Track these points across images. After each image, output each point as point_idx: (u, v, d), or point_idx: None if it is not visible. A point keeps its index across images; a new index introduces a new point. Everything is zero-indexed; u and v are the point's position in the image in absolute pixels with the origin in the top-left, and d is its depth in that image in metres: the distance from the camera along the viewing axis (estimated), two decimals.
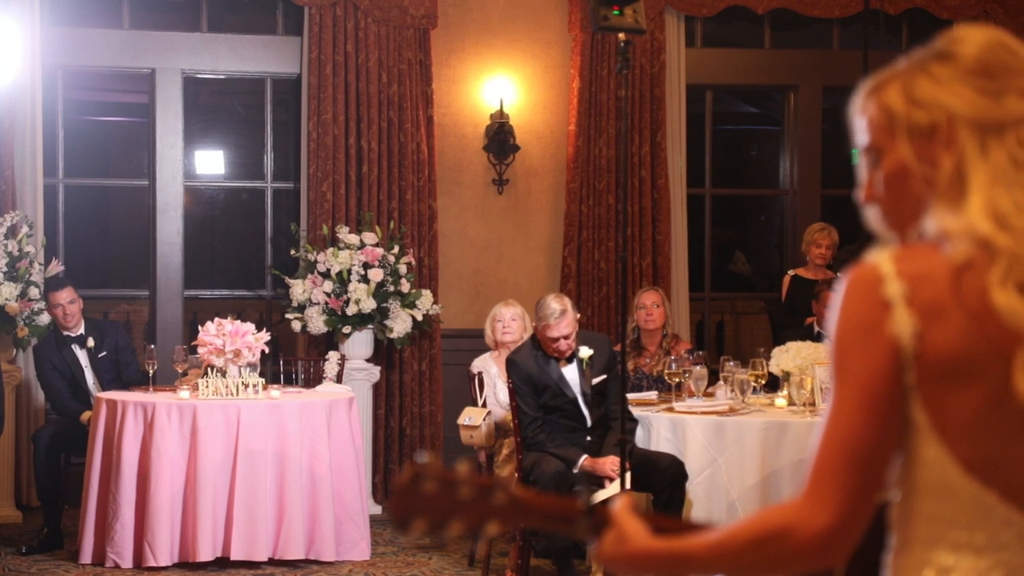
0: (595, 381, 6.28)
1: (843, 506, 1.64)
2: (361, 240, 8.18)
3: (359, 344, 8.25)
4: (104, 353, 7.51)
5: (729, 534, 1.71)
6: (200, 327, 6.92)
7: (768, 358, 6.46)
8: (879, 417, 1.65)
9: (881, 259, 1.67)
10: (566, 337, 6.20)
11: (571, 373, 6.28)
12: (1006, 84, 1.67)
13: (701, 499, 6.06)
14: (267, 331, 6.98)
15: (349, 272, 8.09)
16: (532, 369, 6.24)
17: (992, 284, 1.60)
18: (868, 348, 1.65)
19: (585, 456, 6.12)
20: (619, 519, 1.78)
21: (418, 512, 1.72)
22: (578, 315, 6.38)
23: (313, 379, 7.94)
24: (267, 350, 6.97)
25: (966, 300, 1.61)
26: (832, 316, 1.70)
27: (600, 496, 6.05)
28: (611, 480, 5.99)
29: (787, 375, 6.36)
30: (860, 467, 1.64)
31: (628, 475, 5.29)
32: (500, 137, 8.93)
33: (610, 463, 6.01)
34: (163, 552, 6.41)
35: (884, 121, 1.72)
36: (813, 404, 6.13)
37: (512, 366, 6.28)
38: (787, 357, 6.34)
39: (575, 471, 6.08)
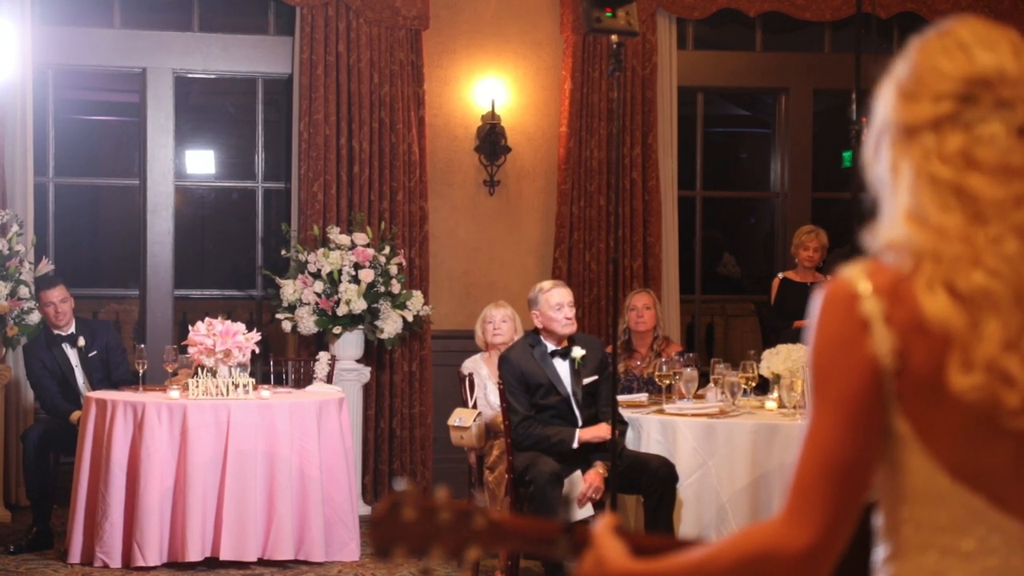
0: (586, 382, 6.28)
1: (825, 523, 1.63)
2: (352, 241, 8.17)
3: (349, 345, 8.25)
4: (95, 352, 7.50)
5: (711, 556, 1.68)
6: (190, 327, 6.91)
7: (758, 361, 6.47)
8: (859, 431, 1.64)
9: (855, 275, 1.66)
10: (570, 304, 6.22)
11: (563, 372, 6.28)
12: (925, 88, 1.66)
13: (691, 501, 6.06)
14: (257, 331, 6.97)
15: (340, 272, 8.08)
16: (525, 366, 6.22)
17: (919, 289, 1.60)
18: (847, 366, 1.64)
19: (579, 430, 6.10)
20: (598, 540, 1.75)
21: (398, 540, 1.72)
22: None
23: (303, 379, 7.93)
24: (257, 350, 6.96)
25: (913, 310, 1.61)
26: (808, 333, 1.69)
27: (581, 515, 6.00)
28: (593, 500, 5.96)
29: (777, 378, 6.37)
30: (841, 483, 1.64)
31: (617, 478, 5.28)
32: (491, 138, 8.93)
33: (592, 488, 5.98)
34: (152, 552, 6.39)
35: None
36: (803, 407, 6.14)
37: (504, 363, 6.27)
38: (777, 360, 6.35)
39: (574, 447, 6.05)
